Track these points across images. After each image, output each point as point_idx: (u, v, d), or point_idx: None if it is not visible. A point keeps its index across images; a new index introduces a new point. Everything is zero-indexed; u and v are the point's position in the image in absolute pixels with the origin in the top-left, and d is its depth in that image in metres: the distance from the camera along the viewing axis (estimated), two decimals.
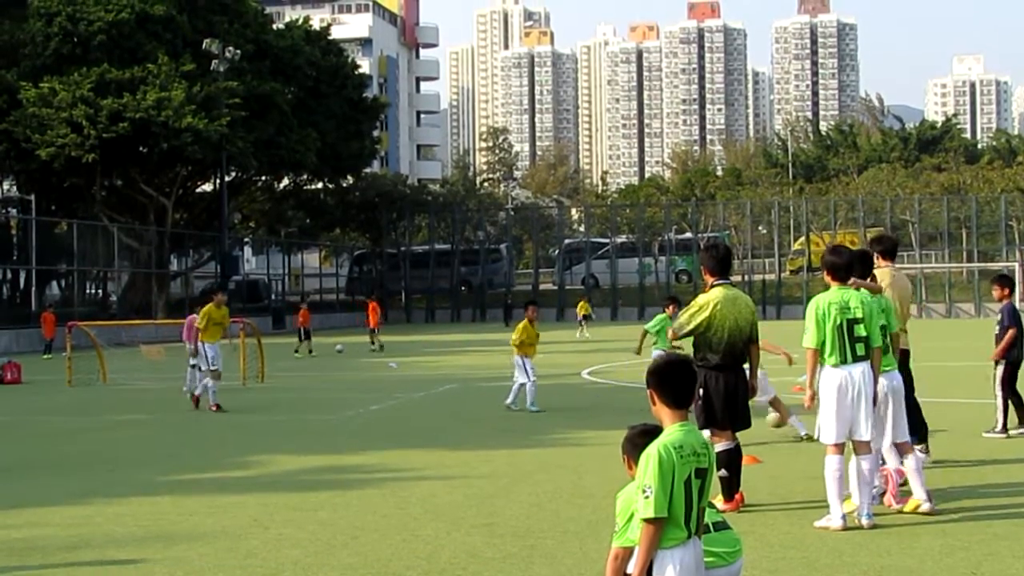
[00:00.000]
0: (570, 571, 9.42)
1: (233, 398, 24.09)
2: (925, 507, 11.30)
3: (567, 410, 22.34)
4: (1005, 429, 17.14)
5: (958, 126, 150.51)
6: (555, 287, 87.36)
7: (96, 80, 60.14)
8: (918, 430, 14.18)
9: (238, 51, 65.79)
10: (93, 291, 72.69)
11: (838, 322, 10.89)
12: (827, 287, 11.35)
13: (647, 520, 5.73)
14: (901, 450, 11.57)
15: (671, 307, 23.10)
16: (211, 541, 10.74)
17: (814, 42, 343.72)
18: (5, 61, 63.60)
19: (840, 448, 10.85)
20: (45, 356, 43.08)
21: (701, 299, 11.85)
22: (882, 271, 13.30)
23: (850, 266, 11.33)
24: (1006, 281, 17.95)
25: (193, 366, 26.90)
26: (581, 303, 62.12)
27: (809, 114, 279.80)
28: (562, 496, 12.79)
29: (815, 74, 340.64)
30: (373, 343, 46.48)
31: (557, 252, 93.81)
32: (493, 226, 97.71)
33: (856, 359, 10.92)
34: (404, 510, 12.14)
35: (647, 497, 5.73)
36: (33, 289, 63.69)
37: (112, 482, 14.60)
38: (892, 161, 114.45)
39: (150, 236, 66.86)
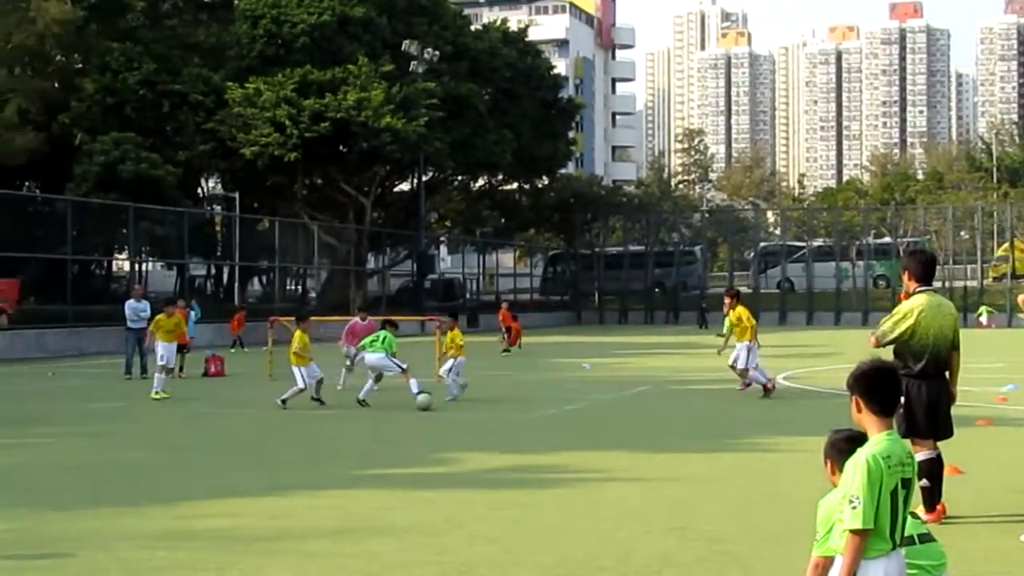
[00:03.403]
0: None
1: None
2: None
3: (761, 415, 22.11)
4: None
5: None
6: (750, 291, 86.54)
7: (299, 81, 61.34)
8: None
9: (436, 52, 66.52)
10: (293, 287, 74.17)
11: None
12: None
13: (853, 531, 5.62)
14: None
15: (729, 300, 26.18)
16: (406, 536, 10.84)
17: (1021, 43, 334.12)
18: (212, 62, 65.30)
19: None
20: (231, 350, 44.07)
21: (905, 306, 11.55)
22: None
23: None
24: None
25: (349, 368, 27.25)
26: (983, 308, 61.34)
27: (1015, 117, 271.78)
28: (756, 502, 12.64)
29: (1022, 75, 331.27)
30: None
31: (752, 255, 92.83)
32: (688, 228, 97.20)
33: None
34: (597, 511, 12.12)
35: (854, 508, 5.61)
36: (236, 285, 65.27)
37: (309, 475, 14.86)
38: None
39: (349, 234, 67.94)
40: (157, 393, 25.82)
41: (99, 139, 54.50)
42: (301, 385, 23.16)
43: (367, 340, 23.87)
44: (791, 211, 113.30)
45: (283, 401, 22.92)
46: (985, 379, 26.99)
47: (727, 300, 26.27)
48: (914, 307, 11.43)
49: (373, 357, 23.40)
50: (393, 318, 25.34)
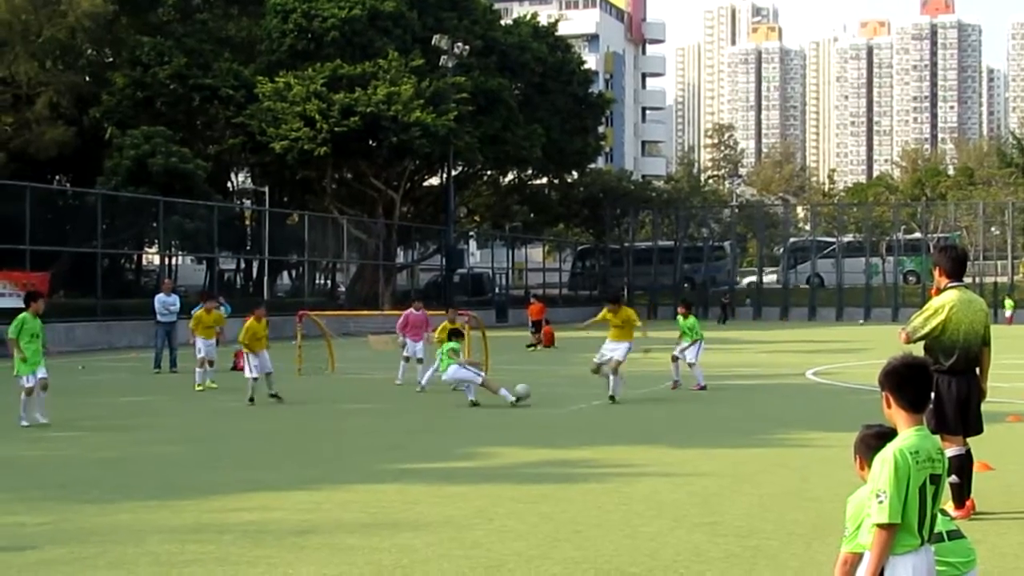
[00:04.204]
0: (795, 574, 9.28)
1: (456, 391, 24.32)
2: None
3: (791, 410, 22.06)
4: None
5: None
6: (780, 286, 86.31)
7: (329, 75, 61.49)
8: None
9: (466, 47, 66.59)
10: (322, 281, 74.33)
11: None
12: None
13: (880, 526, 5.60)
14: None
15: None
16: (436, 530, 10.86)
17: None
18: (243, 56, 65.54)
19: None
20: None
21: (935, 302, 11.52)
22: None
23: None
24: None
25: (406, 359, 27.25)
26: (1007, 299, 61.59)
27: None
28: (786, 498, 12.61)
29: None
30: None
31: (782, 251, 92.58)
32: (717, 224, 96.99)
33: None
34: (626, 506, 12.11)
35: (881, 502, 5.60)
36: (265, 279, 65.42)
37: (339, 469, 14.89)
38: None
39: (378, 229, 68.04)
40: (199, 385, 26.60)
41: (129, 133, 54.73)
42: (251, 375, 23.54)
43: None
44: (821, 207, 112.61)
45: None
46: (1016, 375, 26.89)
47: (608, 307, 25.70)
48: (945, 303, 11.39)
49: (447, 373, 23.01)
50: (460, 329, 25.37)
